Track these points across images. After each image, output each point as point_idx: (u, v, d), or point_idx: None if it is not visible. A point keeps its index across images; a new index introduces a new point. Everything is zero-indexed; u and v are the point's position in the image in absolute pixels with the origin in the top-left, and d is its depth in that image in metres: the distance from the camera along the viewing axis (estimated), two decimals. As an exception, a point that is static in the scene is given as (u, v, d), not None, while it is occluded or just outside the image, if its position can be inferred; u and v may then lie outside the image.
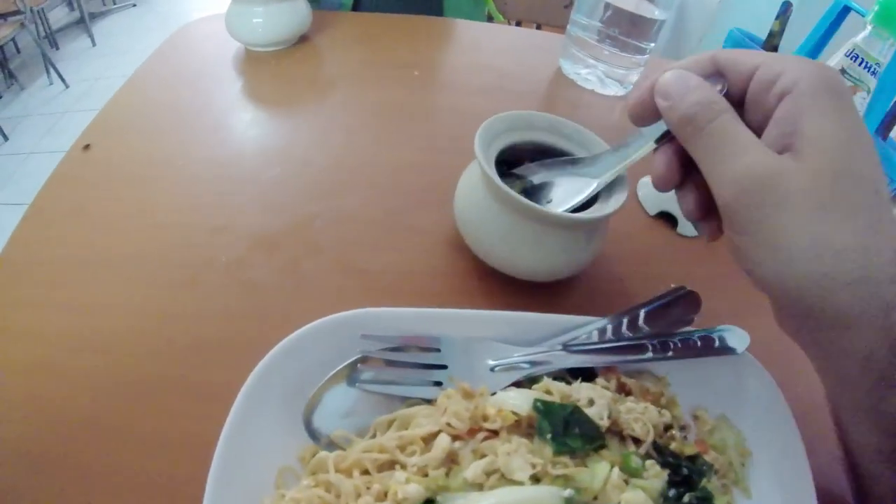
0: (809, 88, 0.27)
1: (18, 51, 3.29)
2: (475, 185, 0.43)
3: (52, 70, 3.09)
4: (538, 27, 1.54)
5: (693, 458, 0.33)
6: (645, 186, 0.59)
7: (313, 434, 0.31)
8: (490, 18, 1.22)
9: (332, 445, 0.31)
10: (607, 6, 0.71)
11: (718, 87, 0.30)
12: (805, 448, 0.34)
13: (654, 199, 0.58)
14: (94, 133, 0.58)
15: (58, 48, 3.46)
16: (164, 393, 0.36)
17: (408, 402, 0.32)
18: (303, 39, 0.77)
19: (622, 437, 0.32)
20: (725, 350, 0.37)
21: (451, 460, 0.28)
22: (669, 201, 0.57)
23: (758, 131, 0.29)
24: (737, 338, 0.38)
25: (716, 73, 0.31)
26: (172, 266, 0.45)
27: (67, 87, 3.09)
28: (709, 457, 0.34)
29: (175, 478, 0.32)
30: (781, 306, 0.30)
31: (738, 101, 0.30)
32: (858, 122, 0.27)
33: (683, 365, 0.37)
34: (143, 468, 0.33)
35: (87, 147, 0.56)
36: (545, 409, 0.29)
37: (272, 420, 0.31)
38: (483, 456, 0.27)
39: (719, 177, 0.28)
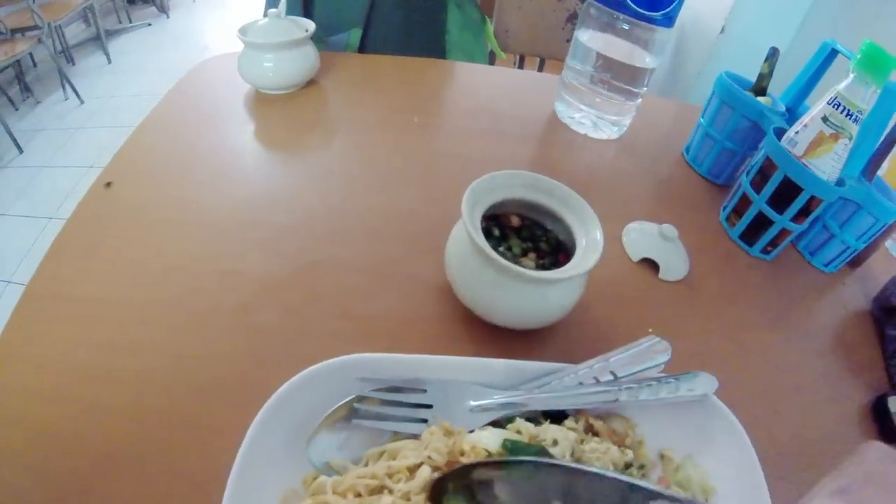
0: None
1: (35, 65, 3.37)
2: (463, 240, 0.46)
3: (67, 85, 3.17)
4: (542, 60, 1.59)
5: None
6: (630, 232, 0.63)
7: (314, 462, 0.35)
8: (492, 54, 1.27)
9: (330, 471, 0.35)
10: (599, 56, 0.75)
11: None
12: (768, 486, 0.37)
13: (638, 245, 0.62)
14: (113, 170, 0.62)
15: (74, 64, 3.55)
16: (176, 427, 0.40)
17: (396, 436, 0.36)
18: (311, 82, 0.82)
19: (586, 474, 0.35)
20: (692, 395, 0.40)
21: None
22: (652, 248, 0.61)
23: None
24: (704, 382, 0.41)
25: None
26: (183, 309, 0.48)
27: (82, 102, 3.16)
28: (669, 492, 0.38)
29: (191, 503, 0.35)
30: None
31: None
32: None
33: (654, 408, 0.41)
34: (156, 498, 0.36)
35: (108, 185, 0.60)
36: (513, 448, 0.33)
37: (279, 449, 0.35)
38: (458, 488, 0.31)
39: None
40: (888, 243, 0.76)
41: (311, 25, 0.79)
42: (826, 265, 0.66)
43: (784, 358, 0.55)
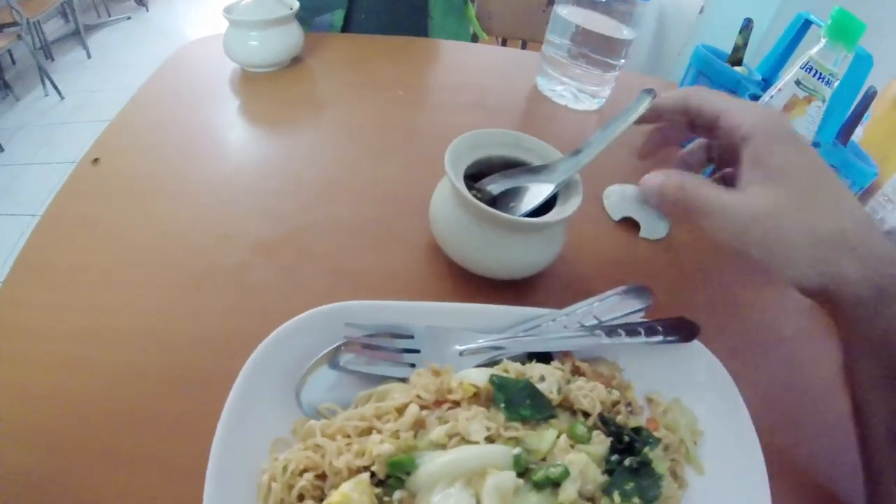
0: (766, 135, 0.36)
1: (14, 62, 3.32)
2: (446, 195, 0.48)
3: (47, 81, 3.13)
4: (524, 43, 1.60)
5: (638, 431, 0.37)
6: (612, 195, 0.64)
7: (303, 407, 0.36)
8: (475, 37, 1.27)
9: (319, 417, 0.35)
10: (578, 27, 0.76)
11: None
12: (760, 434, 0.38)
13: (619, 205, 0.63)
14: (100, 148, 0.62)
15: (53, 60, 3.51)
16: (173, 381, 0.41)
17: (385, 381, 0.37)
18: (295, 60, 0.83)
19: (573, 411, 0.36)
20: (673, 337, 0.42)
21: (419, 426, 0.32)
22: (633, 207, 0.62)
23: (731, 161, 0.39)
24: (686, 327, 0.43)
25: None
26: (179, 271, 0.49)
27: (63, 98, 3.13)
28: (658, 433, 0.38)
29: (185, 453, 0.35)
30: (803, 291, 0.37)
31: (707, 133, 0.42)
32: (812, 152, 0.36)
33: (640, 354, 0.42)
34: (156, 446, 0.37)
35: (95, 161, 0.60)
36: (500, 383, 0.34)
37: (268, 397, 0.35)
38: (447, 422, 0.32)
39: (721, 229, 0.37)
40: (866, 208, 0.77)
41: (294, 3, 0.79)
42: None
43: (766, 314, 0.57)
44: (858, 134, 0.71)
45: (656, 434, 0.38)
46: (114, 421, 0.38)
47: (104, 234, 0.52)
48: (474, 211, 0.44)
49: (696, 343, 0.43)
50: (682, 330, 0.42)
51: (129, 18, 4.12)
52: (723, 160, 0.47)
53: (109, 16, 4.08)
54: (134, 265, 0.49)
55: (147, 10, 4.29)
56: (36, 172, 2.57)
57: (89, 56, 3.60)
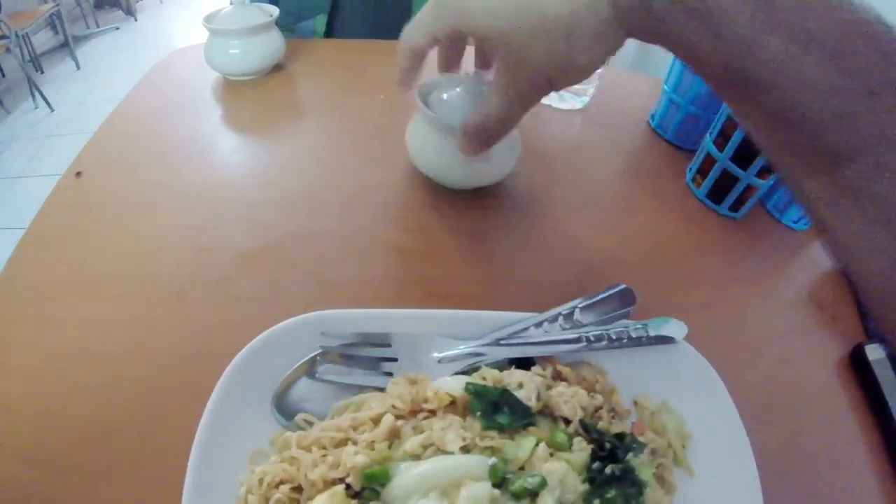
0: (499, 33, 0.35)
1: (3, 75, 3.33)
2: (417, 121, 0.59)
3: (37, 94, 3.13)
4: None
5: (621, 437, 0.36)
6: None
7: (280, 419, 0.35)
8: (462, 38, 1.27)
9: (296, 429, 0.35)
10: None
11: None
12: (753, 433, 0.37)
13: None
14: (84, 161, 0.62)
15: (42, 72, 3.51)
16: (155, 395, 0.40)
17: (362, 391, 0.37)
18: (277, 68, 0.82)
19: (554, 418, 0.36)
20: (661, 339, 0.41)
21: (394, 436, 0.32)
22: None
23: None
24: (673, 328, 0.42)
25: None
26: (160, 284, 0.49)
27: (53, 110, 3.13)
28: (644, 437, 0.37)
29: (165, 466, 0.35)
30: None
31: None
32: None
33: (627, 357, 0.41)
34: (137, 460, 0.36)
35: (78, 174, 0.59)
36: (476, 391, 0.33)
37: (247, 409, 0.35)
38: (422, 432, 0.31)
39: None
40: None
41: (274, 10, 0.78)
42: (795, 222, 0.67)
43: (756, 312, 0.56)
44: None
45: (642, 439, 0.37)
46: (95, 435, 0.38)
47: (87, 248, 0.52)
48: (440, 126, 0.54)
49: (683, 343, 0.42)
50: (668, 330, 0.42)
51: (117, 29, 4.12)
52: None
53: (98, 26, 4.09)
54: (115, 279, 0.49)
55: (135, 20, 4.29)
56: (27, 185, 2.56)
57: (78, 67, 3.60)
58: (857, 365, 0.51)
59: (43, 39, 3.70)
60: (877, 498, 0.42)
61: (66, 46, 3.66)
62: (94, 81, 3.44)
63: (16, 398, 0.40)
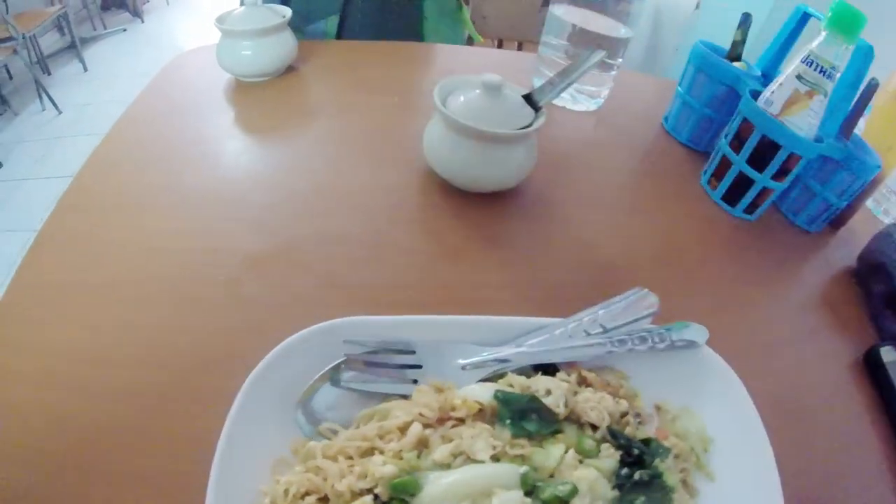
0: None
1: (11, 77, 3.32)
2: (435, 123, 0.59)
3: (44, 96, 3.13)
4: (519, 45, 1.59)
5: (647, 442, 0.36)
6: None
7: (304, 427, 0.35)
8: (470, 40, 1.26)
9: (320, 437, 0.35)
10: (574, 27, 0.75)
11: None
12: (769, 435, 0.37)
13: None
14: (95, 164, 0.62)
15: (50, 74, 3.51)
16: (167, 399, 0.40)
17: (387, 399, 0.36)
18: (289, 69, 0.82)
19: (581, 424, 0.35)
20: (683, 344, 0.41)
21: (423, 445, 0.32)
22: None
23: None
24: (695, 332, 0.42)
25: None
26: (171, 287, 0.48)
27: (60, 112, 3.13)
28: (667, 442, 0.37)
29: (182, 473, 0.35)
30: None
31: None
32: None
33: (648, 361, 0.41)
34: (151, 467, 0.36)
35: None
36: (504, 399, 0.33)
37: (268, 417, 0.35)
38: (450, 441, 0.31)
39: None
40: (869, 203, 0.76)
41: (287, 12, 0.78)
42: (809, 224, 0.67)
43: (772, 314, 0.56)
44: (861, 126, 0.70)
45: (665, 443, 0.37)
46: (105, 438, 0.37)
47: (97, 250, 0.51)
48: (461, 129, 0.54)
49: (704, 347, 0.42)
50: (691, 335, 0.41)
51: (124, 30, 4.13)
52: None
53: (105, 28, 4.09)
54: (127, 281, 0.48)
55: (142, 22, 4.30)
56: (34, 187, 2.57)
57: (86, 69, 3.60)
58: (872, 367, 0.51)
59: (50, 41, 3.70)
60: (892, 499, 0.41)
61: (73, 48, 3.66)
62: (102, 83, 3.44)
63: (27, 401, 0.39)
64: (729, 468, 0.38)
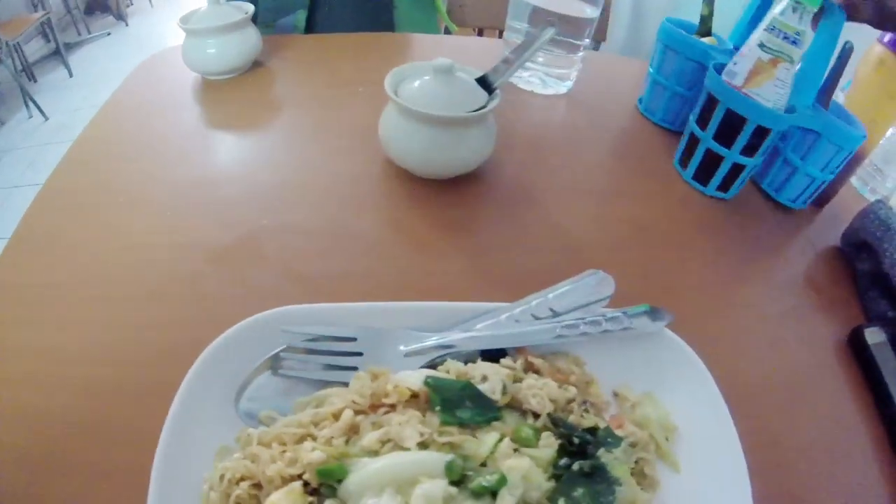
0: None
1: (-4, 86, 3.32)
2: (389, 111, 0.58)
3: (30, 103, 3.12)
4: (500, 33, 1.57)
5: (593, 431, 0.35)
6: None
7: (243, 415, 0.34)
8: (447, 30, 1.25)
9: (260, 425, 0.34)
10: (536, 10, 0.74)
11: None
12: (736, 425, 0.36)
13: None
14: (68, 165, 0.62)
15: (35, 81, 3.49)
16: (132, 394, 0.39)
17: (327, 386, 0.35)
18: (257, 65, 0.81)
19: (523, 412, 0.34)
20: (638, 328, 0.39)
21: (353, 432, 0.31)
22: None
23: None
24: (653, 315, 0.40)
25: None
26: (137, 283, 0.48)
27: (47, 119, 3.11)
28: (623, 430, 0.36)
29: (139, 463, 0.34)
30: None
31: None
32: None
33: (609, 347, 0.40)
34: (117, 460, 0.35)
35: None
36: (435, 385, 0.32)
37: (214, 406, 0.34)
38: (381, 427, 0.30)
39: None
40: (854, 181, 0.75)
41: (250, 8, 0.77)
42: (793, 201, 0.65)
43: (749, 295, 0.55)
44: (840, 99, 0.68)
45: (620, 432, 0.35)
46: (73, 434, 0.37)
47: (67, 250, 0.51)
48: (412, 115, 0.54)
49: (667, 332, 0.40)
50: (648, 318, 0.40)
51: (108, 34, 4.11)
52: None
53: (89, 33, 4.07)
54: (94, 280, 0.48)
55: (126, 25, 4.28)
56: (24, 195, 2.56)
57: (71, 75, 3.59)
58: (856, 348, 0.49)
59: (34, 48, 3.67)
60: (878, 484, 0.40)
61: (57, 54, 3.64)
62: (88, 88, 3.42)
63: (3, 402, 0.39)
64: (695, 458, 0.36)
